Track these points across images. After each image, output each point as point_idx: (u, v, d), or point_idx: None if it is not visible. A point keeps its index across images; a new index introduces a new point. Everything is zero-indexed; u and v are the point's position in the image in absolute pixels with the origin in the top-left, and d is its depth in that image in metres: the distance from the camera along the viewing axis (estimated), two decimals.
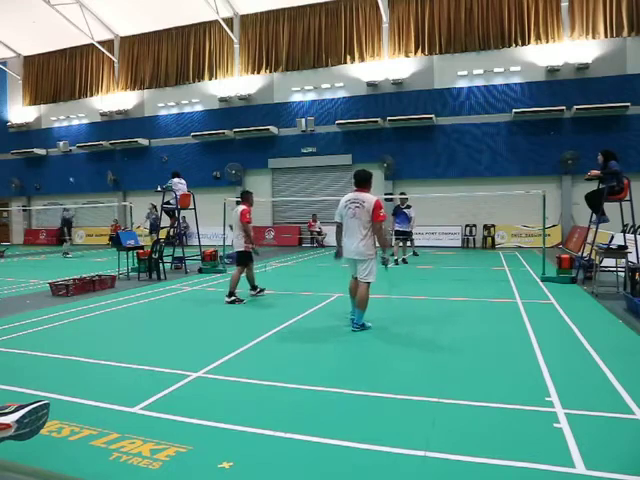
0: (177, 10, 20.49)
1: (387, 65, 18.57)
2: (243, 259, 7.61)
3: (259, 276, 8.75)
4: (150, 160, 22.25)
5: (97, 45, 22.32)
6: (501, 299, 7.46)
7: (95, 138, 23.06)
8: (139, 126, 22.45)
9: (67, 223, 16.57)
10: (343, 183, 19.35)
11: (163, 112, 22.29)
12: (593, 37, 16.38)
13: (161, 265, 10.34)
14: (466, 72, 17.72)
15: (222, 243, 11.94)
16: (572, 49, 16.48)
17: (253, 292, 7.84)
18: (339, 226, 5.71)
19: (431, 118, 17.63)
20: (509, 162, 17.27)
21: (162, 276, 10.24)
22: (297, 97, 20.08)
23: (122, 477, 2.50)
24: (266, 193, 20.12)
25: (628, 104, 15.56)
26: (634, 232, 8.44)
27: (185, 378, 3.97)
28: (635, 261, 7.68)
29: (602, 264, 8.49)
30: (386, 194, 17.04)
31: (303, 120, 19.46)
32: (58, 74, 24.23)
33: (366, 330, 5.50)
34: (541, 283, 8.82)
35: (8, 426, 1.62)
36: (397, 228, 12.27)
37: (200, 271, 11.08)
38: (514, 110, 16.73)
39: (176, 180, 11.64)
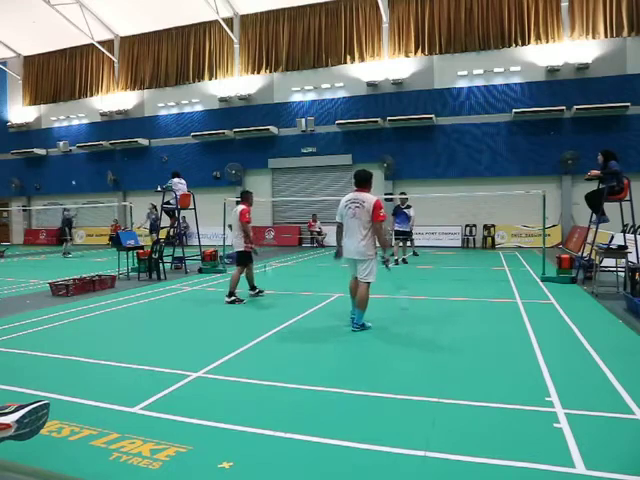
0: (177, 10, 20.49)
1: (387, 65, 18.57)
2: (243, 259, 7.61)
3: (259, 276, 8.75)
4: (150, 160, 22.26)
5: (97, 45, 22.33)
6: (501, 299, 7.46)
7: (95, 138, 23.07)
8: (139, 126, 22.45)
9: (68, 223, 16.56)
10: (343, 183, 19.35)
11: (163, 112, 22.29)
12: (593, 37, 16.39)
13: (161, 265, 10.34)
14: (466, 72, 17.72)
15: (222, 243, 11.94)
16: (572, 49, 16.48)
17: (252, 292, 7.84)
18: (339, 226, 5.71)
19: (431, 118, 17.63)
20: (509, 162, 17.27)
21: (162, 276, 10.24)
22: (297, 97, 20.08)
23: (122, 477, 2.50)
24: (266, 193, 20.12)
25: (628, 104, 15.57)
26: (634, 232, 8.44)
27: (185, 378, 3.97)
28: (635, 261, 7.68)
29: (602, 264, 8.49)
30: (386, 194, 17.04)
31: (303, 120, 19.46)
32: (58, 74, 24.23)
33: (366, 330, 5.50)
34: (541, 283, 8.82)
35: (8, 426, 1.62)
36: (397, 228, 12.26)
37: (200, 271, 11.08)
38: (514, 110, 16.73)
39: (176, 180, 11.64)
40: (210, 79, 21.28)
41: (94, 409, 3.37)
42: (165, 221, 13.41)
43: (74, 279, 8.81)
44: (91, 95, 23.64)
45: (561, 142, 16.63)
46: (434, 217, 17.61)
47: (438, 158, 18.06)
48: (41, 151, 24.28)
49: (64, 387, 3.77)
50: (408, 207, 12.36)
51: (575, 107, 16.12)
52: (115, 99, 22.97)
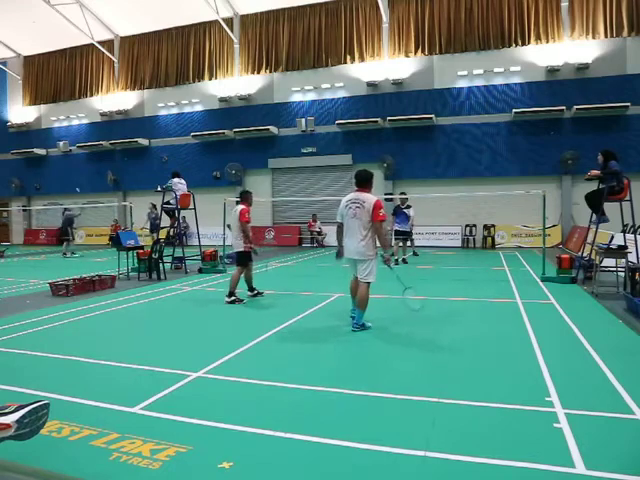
0: (177, 10, 20.50)
1: (387, 65, 18.57)
2: (243, 259, 7.61)
3: (260, 276, 8.75)
4: (150, 160, 22.26)
5: (97, 45, 22.33)
6: (501, 299, 7.46)
7: (95, 138, 23.07)
8: (139, 126, 22.45)
9: (70, 222, 16.57)
10: (343, 183, 19.35)
11: (163, 112, 22.29)
12: (593, 37, 16.38)
13: (161, 265, 10.34)
14: (466, 72, 17.72)
15: (222, 243, 11.93)
16: (572, 49, 16.48)
17: (250, 293, 7.84)
18: (340, 226, 5.71)
19: (431, 118, 17.63)
20: (509, 162, 17.27)
21: (162, 276, 10.24)
22: (297, 97, 20.08)
23: (122, 477, 2.50)
24: (266, 193, 20.12)
25: (628, 104, 15.57)
26: (634, 232, 8.44)
27: (185, 378, 3.97)
28: (635, 261, 7.68)
29: (602, 264, 8.49)
30: (386, 194, 17.04)
31: (303, 120, 19.46)
32: (58, 74, 24.24)
33: (366, 330, 5.50)
34: (541, 283, 8.82)
35: (8, 426, 1.62)
36: (397, 228, 12.26)
37: (200, 271, 11.08)
38: (514, 110, 16.73)
39: (176, 180, 11.65)
40: (210, 79, 21.29)
41: (94, 409, 3.37)
42: (165, 221, 13.41)
43: (74, 279, 8.81)
44: (91, 95, 23.65)
45: (561, 142, 16.63)
46: (434, 217, 17.61)
47: (438, 158, 18.06)
48: (41, 151, 24.28)
49: (64, 387, 3.77)
50: (408, 207, 12.35)
51: (575, 107, 16.13)
52: (115, 99, 22.98)
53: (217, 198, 14.34)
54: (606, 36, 16.23)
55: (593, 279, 7.98)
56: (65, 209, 17.07)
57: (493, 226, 17.44)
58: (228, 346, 4.87)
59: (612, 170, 7.88)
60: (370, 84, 18.75)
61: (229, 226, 8.16)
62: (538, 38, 16.91)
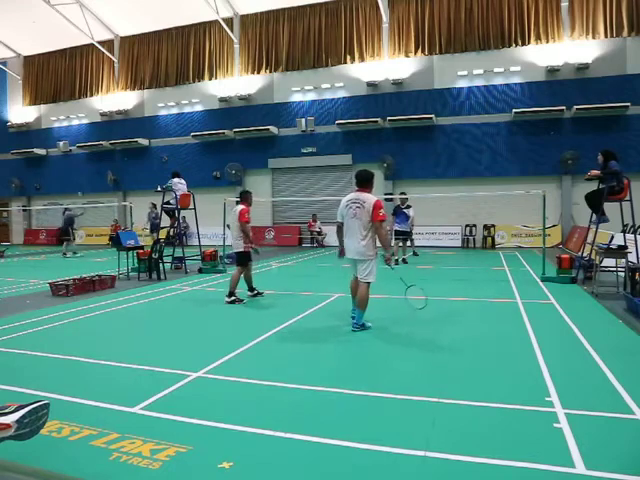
0: (177, 10, 20.50)
1: (387, 65, 18.57)
2: (243, 259, 7.61)
3: (260, 276, 8.75)
4: (150, 160, 22.25)
5: (97, 45, 22.32)
6: (501, 299, 7.46)
7: (95, 138, 23.06)
8: (139, 126, 22.45)
9: (71, 222, 16.57)
10: (343, 183, 19.36)
11: (163, 112, 22.29)
12: (593, 37, 16.38)
13: (161, 265, 10.34)
14: (466, 72, 17.72)
15: (222, 243, 11.93)
16: (572, 49, 16.48)
17: (250, 294, 7.84)
18: (340, 226, 5.71)
19: (431, 118, 17.63)
20: (509, 162, 17.27)
21: (162, 276, 10.24)
22: (297, 97, 20.08)
23: (122, 477, 2.50)
24: (266, 193, 20.12)
25: (628, 104, 15.56)
26: (634, 232, 8.44)
27: (185, 378, 3.97)
28: (635, 261, 7.68)
29: (602, 264, 8.49)
30: (386, 194, 17.04)
31: (303, 120, 19.46)
32: (58, 74, 24.23)
33: (366, 330, 5.50)
34: (541, 283, 8.82)
35: (8, 426, 1.62)
36: (397, 228, 12.26)
37: (200, 271, 11.08)
38: (514, 110, 16.73)
39: (176, 180, 11.64)
40: (210, 79, 21.29)
41: (94, 409, 3.37)
42: (165, 221, 13.41)
43: (74, 279, 8.81)
44: (91, 95, 23.65)
45: (561, 142, 16.63)
46: (434, 217, 17.61)
47: (438, 158, 18.06)
48: (41, 151, 24.28)
49: (64, 387, 3.77)
50: (408, 207, 12.35)
51: (575, 107, 16.12)
52: (115, 99, 22.98)
53: (217, 198, 14.34)
54: (606, 36, 16.23)
55: (593, 279, 7.98)
56: (66, 209, 17.06)
57: (493, 226, 17.44)
58: (228, 346, 4.87)
59: (612, 170, 7.88)
60: (370, 84, 18.74)
61: (229, 226, 8.16)
62: (538, 38, 16.91)
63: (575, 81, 16.55)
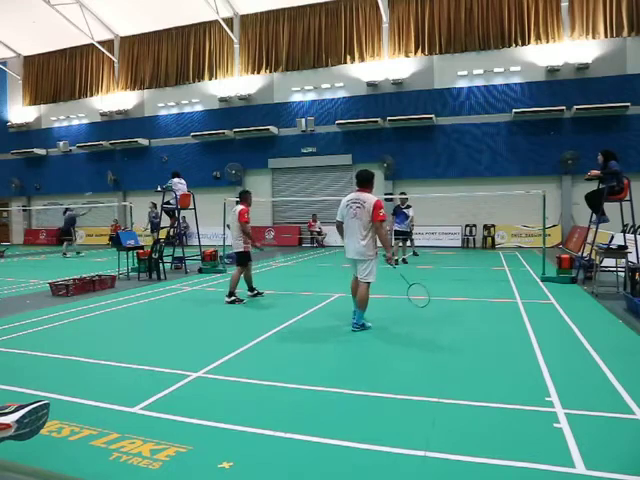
0: (177, 10, 20.49)
1: (387, 65, 18.57)
2: (243, 259, 7.61)
3: (260, 276, 8.75)
4: (150, 160, 22.25)
5: (97, 45, 22.32)
6: (501, 299, 7.46)
7: (95, 138, 23.06)
8: (139, 126, 22.45)
9: (72, 222, 16.57)
10: (343, 183, 19.35)
11: (163, 112, 22.29)
12: (593, 37, 16.38)
13: (161, 265, 10.34)
14: (466, 72, 17.71)
15: (222, 243, 11.93)
16: (572, 49, 16.47)
17: (250, 293, 7.84)
18: (339, 225, 5.71)
19: (431, 118, 17.63)
20: (509, 162, 17.27)
21: (162, 276, 10.24)
22: (297, 97, 20.08)
23: (122, 477, 2.50)
24: (266, 193, 20.12)
25: (628, 104, 15.56)
26: (634, 232, 8.44)
27: (185, 378, 3.97)
28: (635, 261, 7.68)
29: (602, 264, 8.49)
30: (386, 194, 17.04)
31: (303, 120, 19.45)
32: (58, 74, 24.23)
33: (366, 330, 5.50)
34: (541, 283, 8.81)
35: (8, 426, 1.62)
36: (396, 228, 12.26)
37: (200, 271, 11.07)
38: (514, 110, 16.73)
39: (176, 180, 11.64)
40: (210, 79, 21.28)
41: (94, 409, 3.37)
42: (165, 221, 13.41)
43: (74, 279, 8.81)
44: (91, 95, 23.64)
45: (561, 142, 16.63)
46: (434, 217, 17.61)
47: (438, 158, 18.06)
48: (41, 151, 24.27)
49: (64, 387, 3.77)
50: (408, 207, 12.36)
51: (575, 107, 16.12)
52: (115, 99, 22.97)
53: (217, 198, 14.34)
54: (606, 36, 16.23)
55: (593, 279, 7.98)
56: (67, 209, 17.06)
57: (493, 226, 17.44)
58: (228, 346, 4.86)
59: (612, 170, 7.88)
60: (370, 84, 18.74)
61: (229, 226, 8.16)
62: (538, 38, 16.91)
63: (575, 81, 16.55)
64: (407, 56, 18.38)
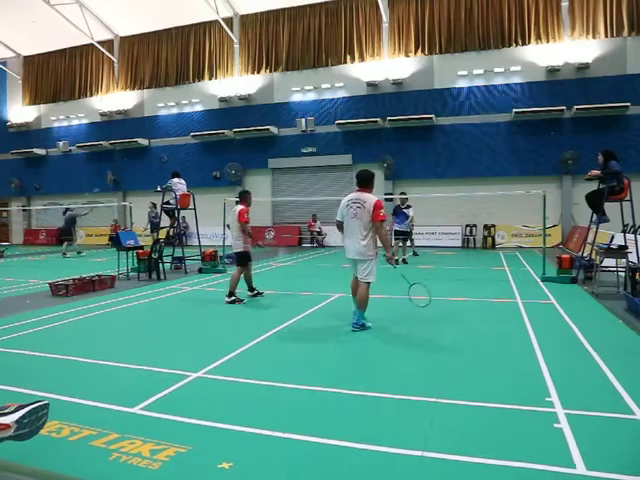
0: (177, 10, 20.49)
1: (387, 65, 18.57)
2: (242, 260, 7.61)
3: (260, 276, 8.74)
4: (150, 160, 22.25)
5: (97, 45, 22.32)
6: (501, 299, 7.45)
7: (95, 138, 23.06)
8: (139, 126, 22.44)
9: (73, 222, 16.56)
10: (343, 183, 19.34)
11: (163, 112, 22.28)
12: (593, 37, 16.38)
13: (161, 265, 10.33)
14: (466, 72, 17.71)
15: (222, 243, 11.92)
16: (572, 49, 16.47)
17: (250, 294, 7.84)
18: (340, 225, 5.71)
19: (431, 118, 17.63)
20: (509, 162, 17.26)
21: (162, 276, 10.24)
22: (297, 97, 20.08)
23: (122, 477, 2.50)
24: (266, 193, 20.11)
25: (628, 104, 15.56)
26: (634, 232, 8.44)
27: (185, 378, 3.97)
28: (635, 261, 7.68)
29: (602, 264, 8.48)
30: (386, 194, 17.04)
31: (303, 120, 19.45)
32: (58, 74, 24.23)
33: (366, 330, 5.49)
34: (541, 283, 8.81)
35: (8, 426, 1.62)
36: (396, 228, 12.26)
37: (200, 271, 11.07)
38: (514, 110, 16.72)
39: (176, 180, 11.63)
40: (210, 79, 21.28)
41: (94, 409, 3.37)
42: (165, 221, 13.41)
43: (74, 279, 8.81)
44: (91, 95, 23.64)
45: (561, 142, 16.62)
46: (434, 217, 17.60)
47: (438, 158, 18.05)
48: (41, 151, 24.27)
49: (64, 387, 3.77)
50: (408, 207, 12.36)
51: (575, 107, 16.11)
52: (115, 99, 22.97)
53: (217, 198, 14.33)
54: (606, 36, 16.22)
55: (593, 279, 7.98)
56: (67, 209, 17.05)
57: (493, 226, 17.44)
58: (228, 346, 4.86)
59: (612, 170, 7.87)
60: (370, 84, 18.74)
61: (229, 226, 8.16)
62: (538, 38, 16.90)
63: (575, 81, 16.54)
64: (407, 56, 18.38)
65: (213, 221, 15.11)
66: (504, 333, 5.41)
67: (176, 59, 21.76)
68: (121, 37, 22.84)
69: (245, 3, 20.12)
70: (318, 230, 19.14)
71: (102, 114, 23.14)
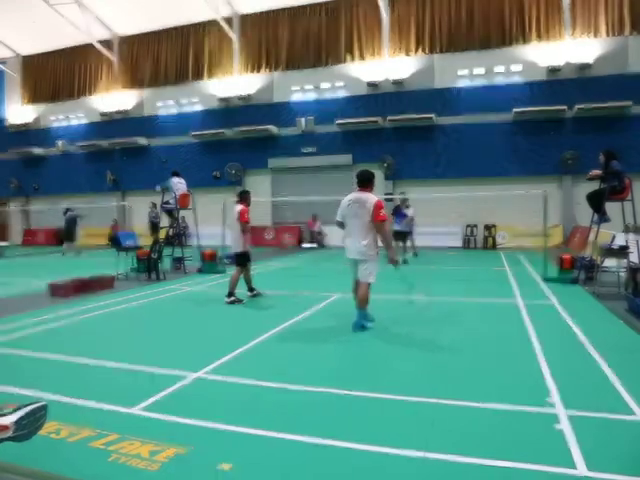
0: (177, 9, 20.45)
1: (387, 64, 18.54)
2: (242, 260, 7.60)
3: (260, 276, 8.73)
4: (149, 160, 22.19)
5: (96, 45, 22.27)
6: (502, 299, 7.44)
7: (94, 138, 23.00)
8: (138, 126, 22.40)
9: (74, 222, 16.52)
10: (343, 183, 19.27)
11: (162, 111, 22.26)
12: (595, 36, 16.34)
13: (160, 265, 10.31)
14: (467, 71, 17.69)
15: (221, 243, 11.89)
16: (573, 48, 16.44)
17: (250, 293, 7.83)
18: (340, 224, 5.69)
19: (431, 118, 17.60)
20: (510, 162, 17.21)
21: (161, 276, 10.22)
22: (297, 96, 20.05)
23: (121, 478, 2.49)
24: (266, 193, 20.08)
25: (630, 103, 15.52)
26: (634, 232, 8.41)
27: (185, 379, 3.95)
28: (636, 261, 7.66)
29: (603, 264, 8.46)
30: (386, 194, 17.01)
31: (303, 120, 19.42)
32: (57, 73, 24.18)
33: (366, 330, 5.48)
34: (542, 283, 8.80)
35: (6, 428, 1.61)
36: (396, 228, 12.26)
37: (199, 271, 11.05)
38: (515, 110, 16.68)
39: (175, 180, 11.60)
40: (210, 78, 21.25)
41: (93, 410, 3.35)
42: (165, 221, 13.37)
43: (74, 279, 8.79)
44: (90, 94, 23.60)
45: (562, 142, 16.59)
46: (434, 217, 17.55)
47: (438, 158, 18.02)
48: (40, 151, 24.21)
49: (63, 388, 3.75)
50: (407, 207, 12.36)
51: (576, 106, 16.08)
52: (114, 98, 22.93)
53: (217, 198, 14.29)
54: (608, 35, 16.19)
55: (594, 279, 7.96)
56: (67, 209, 17.02)
57: (494, 226, 17.41)
58: (228, 346, 4.85)
59: (613, 170, 7.86)
60: (370, 83, 18.71)
61: (229, 226, 8.15)
62: (539, 37, 16.87)
63: (576, 80, 16.50)
64: (407, 55, 18.34)
65: (213, 221, 15.05)
66: (504, 333, 5.40)
67: (176, 58, 21.73)
68: (120, 36, 22.80)
69: (245, 2, 20.08)
70: (318, 230, 19.11)
71: (101, 114, 23.10)
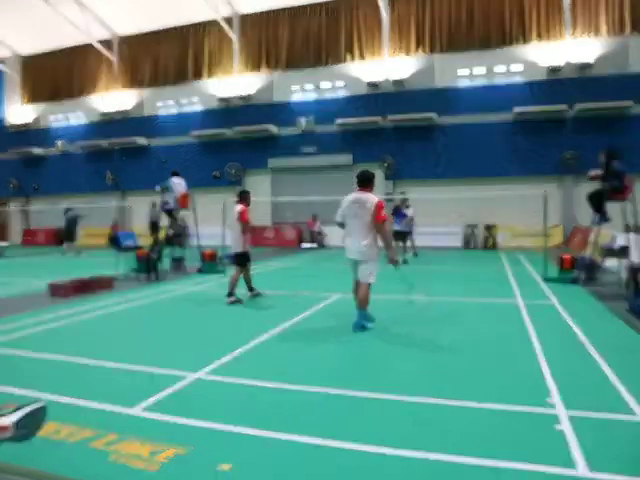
0: (177, 9, 20.46)
1: (387, 64, 18.54)
2: (242, 260, 7.60)
3: (261, 276, 8.72)
4: (149, 160, 22.19)
5: (96, 44, 22.28)
6: (502, 299, 7.44)
7: (94, 137, 23.01)
8: (138, 125, 22.40)
9: (74, 222, 16.50)
10: (343, 183, 19.26)
11: (162, 111, 22.26)
12: (595, 35, 16.34)
13: (160, 265, 10.31)
14: (467, 71, 17.69)
15: (221, 243, 11.88)
16: (574, 47, 16.43)
17: (250, 293, 7.83)
18: (340, 225, 5.69)
19: (431, 118, 17.60)
20: (510, 162, 17.21)
21: (161, 276, 10.21)
22: (297, 96, 20.06)
23: (121, 479, 2.49)
24: (266, 193, 20.07)
25: (630, 103, 15.52)
26: (634, 232, 8.41)
27: (184, 379, 3.95)
28: (637, 261, 7.65)
29: (604, 264, 8.46)
30: (386, 194, 17.01)
31: (303, 119, 19.41)
32: (57, 73, 24.17)
33: (366, 330, 5.48)
34: (542, 283, 8.79)
35: (6, 428, 1.60)
36: (395, 228, 12.26)
37: (199, 271, 11.05)
38: (515, 109, 16.68)
39: (175, 180, 11.60)
40: (209, 78, 21.24)
41: (93, 410, 3.35)
42: (164, 221, 13.35)
43: (73, 279, 8.78)
44: (90, 94, 23.59)
45: (562, 142, 16.59)
46: (434, 217, 17.54)
47: (438, 158, 18.01)
48: (39, 151, 24.21)
49: (63, 388, 3.75)
50: (407, 207, 12.36)
51: (577, 106, 16.07)
52: (114, 98, 22.93)
53: (217, 198, 14.26)
54: (608, 34, 16.19)
55: (595, 279, 7.95)
56: (67, 209, 17.00)
57: (494, 226, 17.40)
58: (228, 347, 4.84)
59: (614, 170, 7.85)
60: (370, 83, 18.71)
61: (228, 226, 8.14)
62: (540, 36, 16.87)
63: (577, 80, 16.50)
64: (407, 54, 18.34)
65: (213, 221, 15.04)
66: (505, 333, 5.40)
67: (175, 58, 21.74)
68: (120, 36, 22.80)
69: (245, 2, 20.09)
70: (318, 230, 19.10)
71: (101, 113, 23.10)
